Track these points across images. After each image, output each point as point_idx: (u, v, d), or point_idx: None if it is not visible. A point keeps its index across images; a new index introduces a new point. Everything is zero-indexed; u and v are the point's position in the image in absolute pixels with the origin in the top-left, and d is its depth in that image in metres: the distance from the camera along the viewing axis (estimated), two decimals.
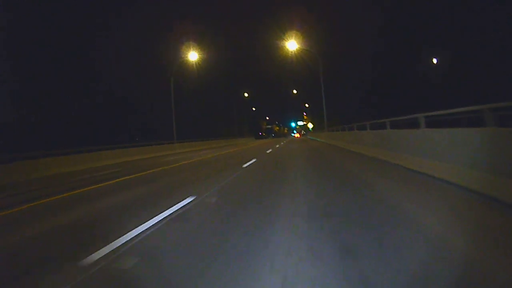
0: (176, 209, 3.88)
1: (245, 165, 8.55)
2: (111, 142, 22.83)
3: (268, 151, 14.80)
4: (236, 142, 39.62)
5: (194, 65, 27.14)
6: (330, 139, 19.33)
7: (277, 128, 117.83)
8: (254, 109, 75.39)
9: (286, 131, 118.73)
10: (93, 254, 2.53)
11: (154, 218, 3.49)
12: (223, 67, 49.05)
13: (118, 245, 2.73)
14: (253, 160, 9.92)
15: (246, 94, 49.89)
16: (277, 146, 21.16)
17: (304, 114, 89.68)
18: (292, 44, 24.41)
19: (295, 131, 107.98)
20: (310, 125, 54.43)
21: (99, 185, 6.95)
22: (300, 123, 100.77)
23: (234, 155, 14.49)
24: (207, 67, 35.04)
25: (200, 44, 27.38)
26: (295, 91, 49.50)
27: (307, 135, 63.94)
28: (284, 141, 33.32)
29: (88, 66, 26.50)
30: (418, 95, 26.83)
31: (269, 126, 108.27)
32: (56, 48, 24.32)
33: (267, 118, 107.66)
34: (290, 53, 25.71)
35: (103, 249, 2.64)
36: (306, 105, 63.06)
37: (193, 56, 25.88)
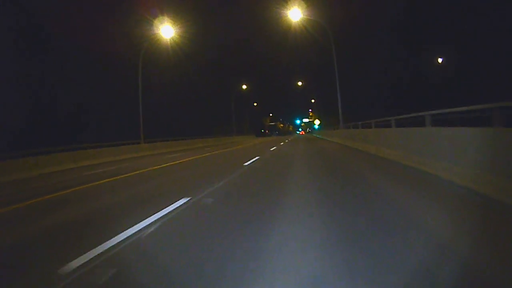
0: None
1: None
2: (69, 142, 17.26)
3: (248, 163, 8.77)
4: (227, 141, 33.59)
5: (169, 45, 21.15)
6: (350, 140, 13.24)
7: (281, 125, 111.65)
8: (255, 104, 69.10)
9: (291, 128, 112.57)
10: None
11: None
12: (212, 52, 42.80)
13: None
14: (180, 203, 3.96)
15: (244, 87, 43.70)
16: (273, 149, 15.15)
17: (310, 110, 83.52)
18: (295, 13, 18.32)
19: (300, 129, 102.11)
20: (317, 122, 48.03)
21: None
22: (306, 120, 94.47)
23: (183, 170, 8.63)
24: (191, 50, 29.08)
25: (179, 20, 21.40)
26: (300, 83, 43.21)
27: (313, 133, 57.75)
28: (288, 140, 27.18)
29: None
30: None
31: (273, 123, 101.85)
32: None
33: (271, 114, 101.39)
34: (292, 25, 19.63)
35: None
36: (312, 100, 56.86)
37: (167, 32, 19.88)
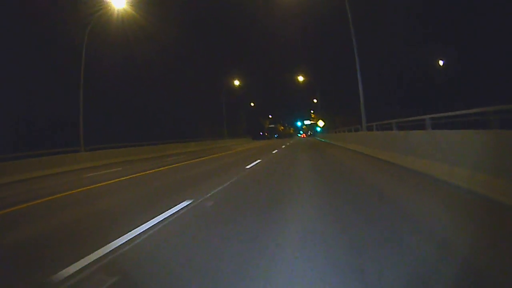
0: None
1: None
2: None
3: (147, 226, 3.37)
4: (213, 146, 28.06)
5: (124, 17, 15.71)
6: (388, 151, 7.71)
7: (282, 127, 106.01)
8: (252, 104, 63.74)
9: (292, 131, 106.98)
10: None
11: None
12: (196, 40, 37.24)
13: None
14: None
15: (236, 82, 38.30)
16: (255, 163, 9.77)
17: (312, 111, 78.12)
18: None
19: (301, 131, 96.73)
20: (320, 123, 42.58)
21: None
22: (307, 122, 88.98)
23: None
24: (163, 25, 23.80)
25: None
26: (301, 78, 37.69)
27: (316, 135, 52.29)
28: (285, 145, 21.74)
29: None
30: None
31: (272, 125, 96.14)
32: None
33: (270, 116, 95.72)
34: None
35: None
36: (315, 100, 51.32)
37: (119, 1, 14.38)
